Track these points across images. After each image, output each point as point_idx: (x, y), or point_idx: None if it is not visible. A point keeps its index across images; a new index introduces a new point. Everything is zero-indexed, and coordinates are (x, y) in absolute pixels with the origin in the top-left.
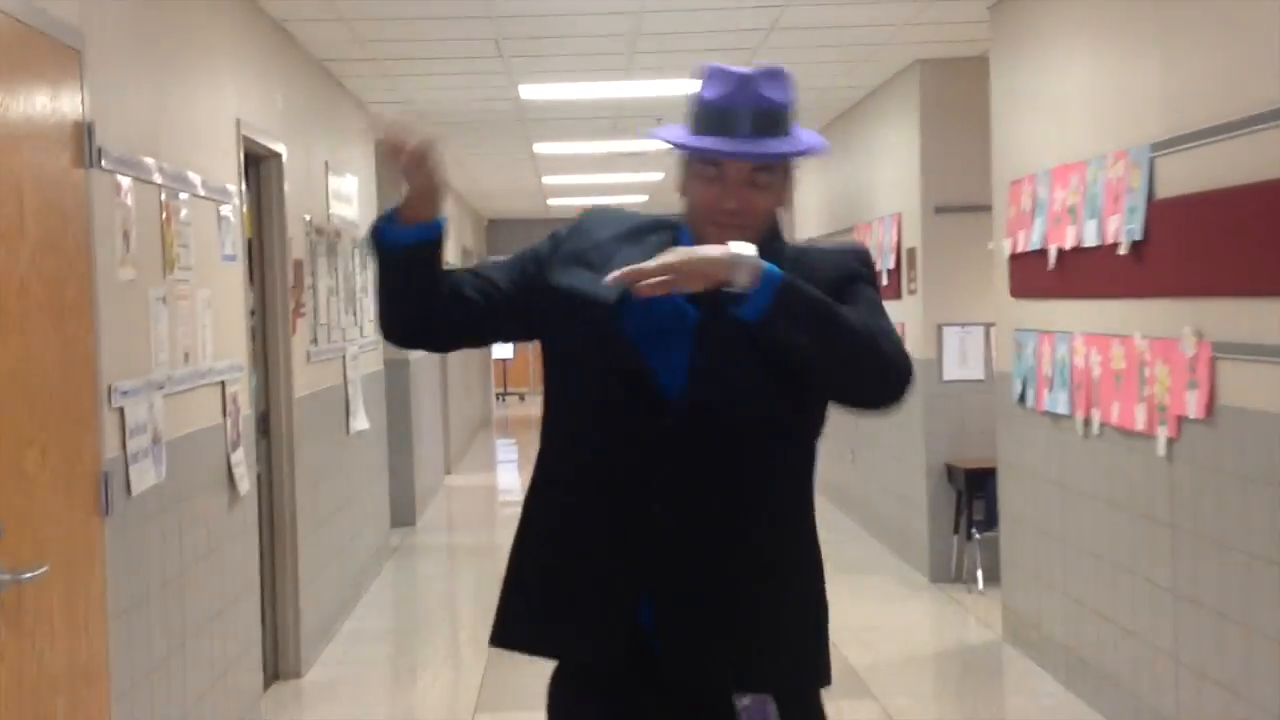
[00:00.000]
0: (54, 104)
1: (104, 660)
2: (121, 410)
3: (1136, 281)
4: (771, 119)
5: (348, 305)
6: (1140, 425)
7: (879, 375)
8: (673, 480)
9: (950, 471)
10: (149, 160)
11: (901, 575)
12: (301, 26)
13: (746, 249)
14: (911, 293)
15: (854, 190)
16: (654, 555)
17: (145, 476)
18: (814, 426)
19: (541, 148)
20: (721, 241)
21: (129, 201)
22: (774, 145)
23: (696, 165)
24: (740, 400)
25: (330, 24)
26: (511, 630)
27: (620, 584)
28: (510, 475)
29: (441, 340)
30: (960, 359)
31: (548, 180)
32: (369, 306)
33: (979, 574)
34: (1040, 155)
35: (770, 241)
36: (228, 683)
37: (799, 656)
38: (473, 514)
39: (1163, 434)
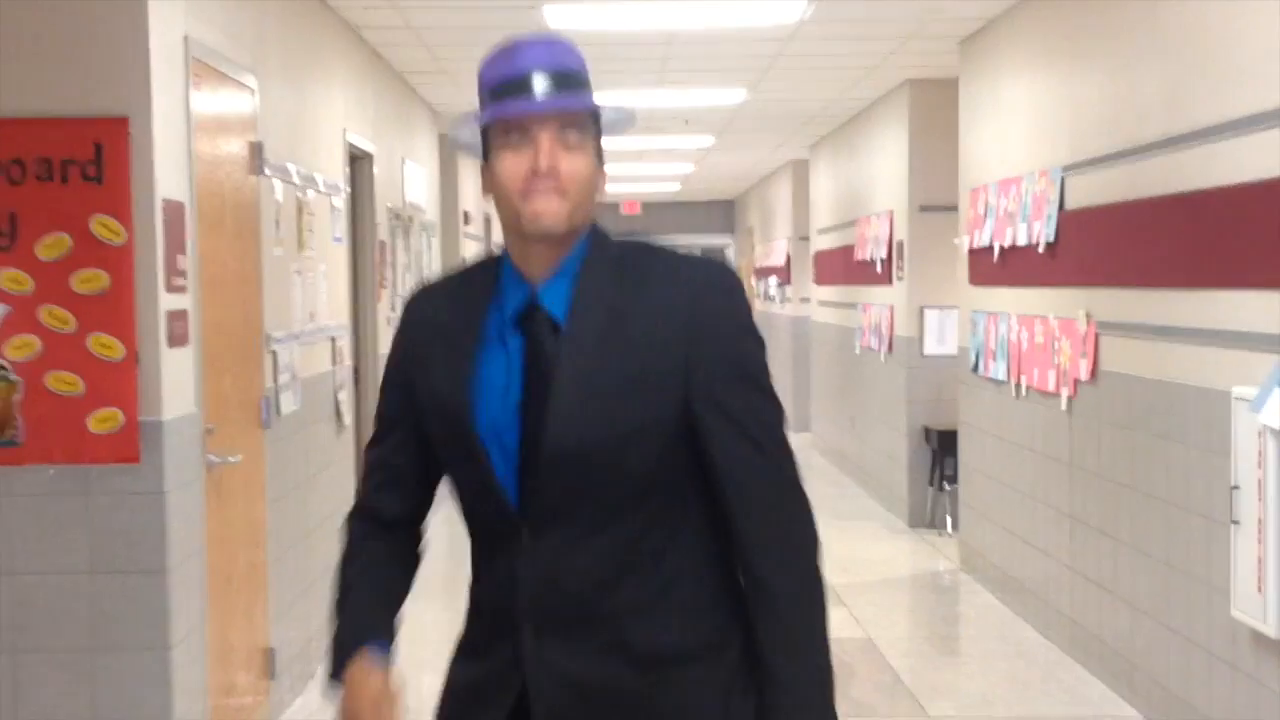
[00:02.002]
0: (240, 130)
1: (264, 534)
2: (275, 353)
3: (1050, 273)
4: (565, 78)
5: (417, 279)
6: (1051, 386)
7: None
8: (544, 594)
9: (927, 433)
10: (290, 166)
11: (885, 522)
12: (390, 49)
13: None
14: (900, 279)
15: (857, 188)
16: None
17: (289, 403)
18: None
19: None
20: (540, 216)
21: (279, 198)
22: (562, 98)
23: (500, 141)
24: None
25: (413, 48)
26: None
27: None
28: None
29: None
30: (939, 336)
31: None
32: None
33: (949, 519)
34: (992, 168)
35: (583, 249)
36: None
37: None
38: None
39: (1065, 393)
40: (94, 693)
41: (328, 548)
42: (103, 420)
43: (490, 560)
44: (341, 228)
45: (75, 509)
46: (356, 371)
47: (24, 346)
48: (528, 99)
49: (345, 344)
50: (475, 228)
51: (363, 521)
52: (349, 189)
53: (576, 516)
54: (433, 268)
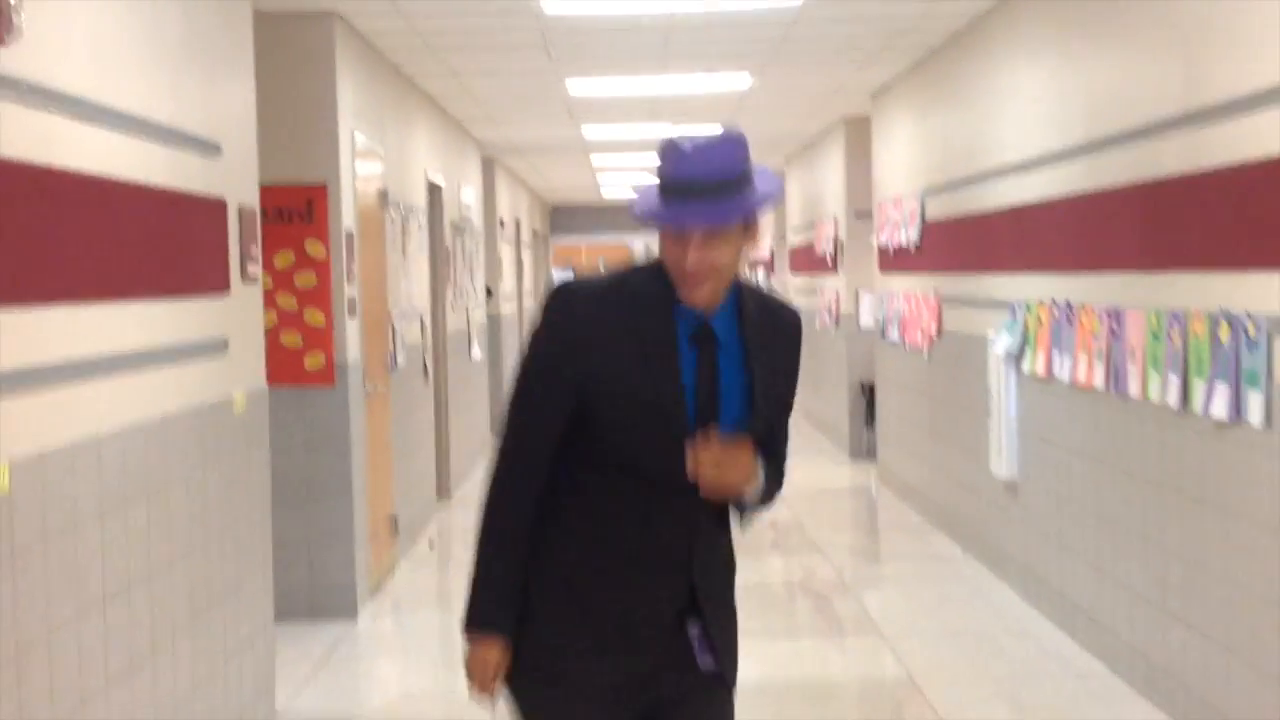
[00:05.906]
0: (376, 183)
1: (391, 443)
2: (393, 325)
3: (918, 265)
4: (721, 185)
5: (470, 275)
6: (919, 343)
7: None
8: (701, 534)
9: (861, 386)
10: (399, 200)
11: (832, 455)
12: (451, 105)
13: (756, 480)
14: (842, 270)
15: (813, 197)
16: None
17: (401, 360)
18: None
19: (598, 160)
20: (692, 294)
21: (394, 224)
22: (713, 211)
23: (665, 228)
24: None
25: (467, 103)
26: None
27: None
28: None
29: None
30: (870, 313)
31: (597, 162)
32: (478, 277)
33: (877, 450)
34: (891, 187)
35: (735, 292)
36: (423, 485)
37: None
38: None
39: (926, 347)
40: (307, 521)
41: (423, 460)
42: (313, 360)
43: (648, 510)
44: (424, 241)
45: (296, 413)
46: (432, 344)
47: (267, 319)
48: (679, 207)
49: (428, 323)
50: (509, 232)
51: (514, 502)
52: (428, 213)
53: None
54: (480, 265)
